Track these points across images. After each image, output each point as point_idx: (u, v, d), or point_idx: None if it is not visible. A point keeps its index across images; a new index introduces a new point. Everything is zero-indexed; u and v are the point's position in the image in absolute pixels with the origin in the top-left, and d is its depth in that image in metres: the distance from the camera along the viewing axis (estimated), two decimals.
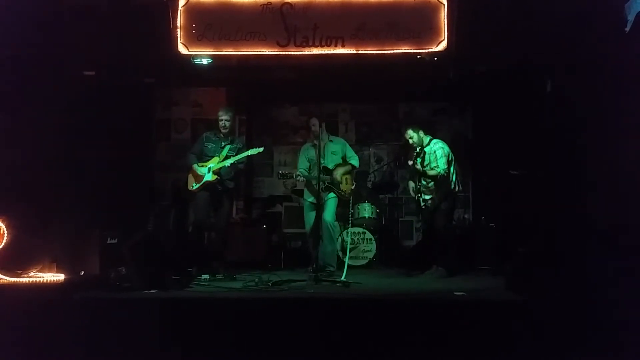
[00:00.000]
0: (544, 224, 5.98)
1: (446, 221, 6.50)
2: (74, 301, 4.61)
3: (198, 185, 6.21)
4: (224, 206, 6.37)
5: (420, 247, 6.65)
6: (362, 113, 9.00)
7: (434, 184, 6.41)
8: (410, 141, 6.49)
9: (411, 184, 6.65)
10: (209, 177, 6.16)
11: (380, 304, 4.68)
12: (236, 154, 6.27)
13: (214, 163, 6.21)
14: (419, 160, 6.43)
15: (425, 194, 6.44)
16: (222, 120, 6.33)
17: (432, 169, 6.34)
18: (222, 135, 6.37)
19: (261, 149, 6.40)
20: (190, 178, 6.31)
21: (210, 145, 6.34)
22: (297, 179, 6.48)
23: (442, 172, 6.31)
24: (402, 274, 6.50)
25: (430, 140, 6.50)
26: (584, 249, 4.66)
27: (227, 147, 6.29)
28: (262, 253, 7.44)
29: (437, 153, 6.34)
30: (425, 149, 6.43)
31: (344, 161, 6.56)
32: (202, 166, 6.23)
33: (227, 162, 6.14)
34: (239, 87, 8.31)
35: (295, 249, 7.79)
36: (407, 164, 6.75)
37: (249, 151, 6.31)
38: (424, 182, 6.43)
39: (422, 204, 6.46)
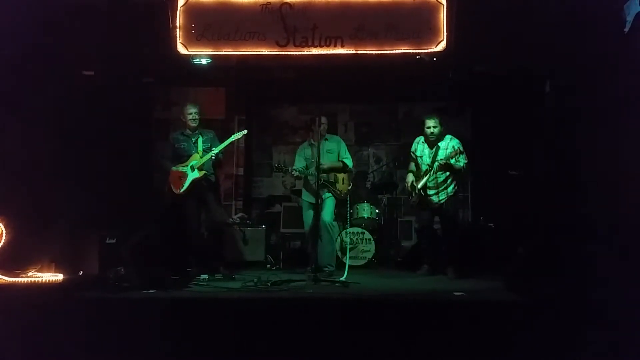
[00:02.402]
0: (543, 224, 5.99)
1: (457, 219, 6.45)
2: (73, 301, 4.61)
3: (186, 187, 6.07)
4: (212, 202, 6.27)
5: (425, 246, 6.58)
6: (361, 113, 8.99)
7: (451, 179, 6.23)
8: (432, 130, 6.19)
9: (410, 177, 6.39)
10: (195, 174, 6.05)
11: (379, 304, 4.68)
12: (211, 145, 6.19)
13: (195, 160, 6.10)
14: (429, 153, 6.27)
15: (431, 189, 6.22)
16: (191, 113, 6.22)
17: (451, 164, 6.11)
18: (189, 132, 6.26)
19: (245, 131, 6.34)
20: (174, 181, 6.16)
21: (183, 145, 6.23)
22: (292, 173, 6.45)
23: (464, 167, 6.18)
24: (402, 274, 6.51)
25: (444, 135, 6.30)
26: (584, 249, 4.66)
27: (200, 139, 6.19)
28: (261, 253, 7.44)
29: (455, 148, 6.13)
30: (440, 144, 6.24)
31: (338, 160, 6.52)
32: (183, 166, 6.12)
33: (215, 151, 6.07)
34: (238, 87, 8.32)
35: (295, 249, 7.78)
36: (413, 153, 6.45)
37: (234, 135, 6.22)
38: (432, 178, 6.17)
39: (437, 200, 6.23)
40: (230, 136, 6.22)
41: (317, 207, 6.12)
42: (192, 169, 6.08)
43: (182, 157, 6.20)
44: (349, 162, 6.54)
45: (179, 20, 6.00)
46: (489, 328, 4.22)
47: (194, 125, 6.25)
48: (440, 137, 6.28)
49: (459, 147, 6.13)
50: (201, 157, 6.10)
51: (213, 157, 6.12)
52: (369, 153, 8.90)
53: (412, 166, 6.51)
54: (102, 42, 6.13)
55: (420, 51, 5.94)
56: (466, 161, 6.18)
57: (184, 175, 6.09)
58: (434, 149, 6.26)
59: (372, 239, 7.43)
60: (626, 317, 4.02)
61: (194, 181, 6.07)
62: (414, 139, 6.53)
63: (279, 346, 4.25)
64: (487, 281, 5.79)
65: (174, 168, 6.17)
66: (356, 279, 5.89)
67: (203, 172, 6.08)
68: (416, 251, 6.94)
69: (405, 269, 6.70)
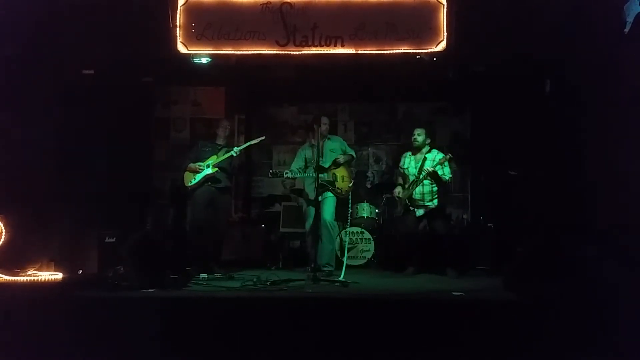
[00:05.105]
0: (543, 224, 5.99)
1: (446, 223, 6.64)
2: (72, 300, 4.61)
3: (197, 180, 6.39)
4: (221, 205, 6.57)
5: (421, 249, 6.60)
6: (361, 113, 8.99)
7: (437, 191, 6.43)
8: (415, 137, 6.50)
9: (399, 189, 6.58)
10: (209, 170, 6.39)
11: (378, 303, 4.68)
12: (232, 158, 6.51)
13: (212, 159, 6.44)
14: (416, 164, 6.44)
15: (417, 200, 6.43)
16: (225, 129, 6.69)
17: (438, 174, 6.32)
18: (217, 143, 6.64)
19: (263, 137, 6.64)
20: (188, 175, 6.48)
21: (208, 149, 6.57)
22: (286, 175, 6.41)
23: (449, 180, 6.45)
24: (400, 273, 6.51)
25: (431, 149, 6.52)
26: (583, 248, 4.66)
27: (224, 149, 6.52)
28: (260, 252, 7.43)
29: (445, 156, 6.35)
30: (427, 155, 6.43)
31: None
32: (201, 163, 6.43)
33: (232, 151, 6.41)
34: (238, 87, 8.32)
35: (294, 249, 7.77)
36: (401, 167, 6.68)
37: (252, 140, 6.63)
38: (418, 190, 6.39)
39: (422, 212, 6.44)
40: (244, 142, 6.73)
41: (318, 207, 6.12)
42: (208, 166, 6.42)
43: (203, 160, 6.50)
44: (352, 152, 6.65)
45: (179, 19, 6.00)
46: (487, 328, 4.21)
47: (223, 135, 6.66)
48: (423, 145, 6.50)
49: (449, 155, 6.32)
50: (217, 157, 6.43)
51: (231, 159, 6.46)
52: (368, 153, 8.90)
53: (399, 179, 6.72)
54: (102, 41, 6.13)
55: (420, 51, 5.93)
56: (451, 175, 6.47)
57: (199, 170, 6.42)
58: (421, 160, 6.42)
59: (371, 239, 7.43)
60: (626, 317, 4.01)
61: (206, 176, 6.40)
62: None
63: (278, 345, 4.25)
64: (486, 281, 5.80)
65: (191, 165, 6.46)
66: (356, 278, 5.89)
67: (216, 169, 6.40)
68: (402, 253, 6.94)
69: (400, 269, 6.69)
